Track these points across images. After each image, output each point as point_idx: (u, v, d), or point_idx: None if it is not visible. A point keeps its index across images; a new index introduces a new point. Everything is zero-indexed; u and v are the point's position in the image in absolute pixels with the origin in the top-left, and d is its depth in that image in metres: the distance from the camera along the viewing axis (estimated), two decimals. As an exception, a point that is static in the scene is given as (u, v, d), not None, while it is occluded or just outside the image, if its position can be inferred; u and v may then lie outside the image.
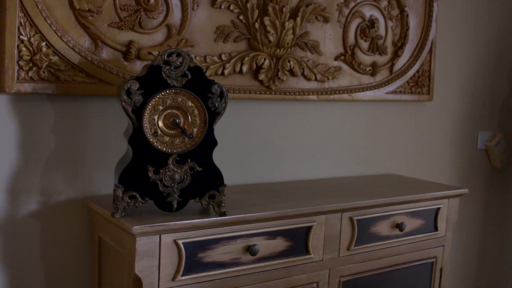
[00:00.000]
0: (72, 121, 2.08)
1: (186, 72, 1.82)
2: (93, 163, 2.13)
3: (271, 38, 2.40)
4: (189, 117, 1.85)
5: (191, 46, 2.24)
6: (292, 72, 2.51)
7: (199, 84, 1.84)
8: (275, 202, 2.16)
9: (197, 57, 2.25)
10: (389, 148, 3.01)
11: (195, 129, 1.86)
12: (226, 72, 2.32)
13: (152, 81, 1.80)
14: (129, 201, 1.82)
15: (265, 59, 2.40)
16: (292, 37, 2.47)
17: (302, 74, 2.55)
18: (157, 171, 1.83)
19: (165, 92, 1.81)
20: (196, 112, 1.85)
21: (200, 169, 1.87)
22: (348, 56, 2.70)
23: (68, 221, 2.11)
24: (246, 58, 2.36)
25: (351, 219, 2.25)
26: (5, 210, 1.99)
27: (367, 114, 2.89)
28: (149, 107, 1.80)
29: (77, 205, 2.11)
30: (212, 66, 2.29)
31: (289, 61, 2.48)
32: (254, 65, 2.39)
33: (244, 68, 2.37)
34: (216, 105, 1.86)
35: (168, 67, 1.80)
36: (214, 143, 1.88)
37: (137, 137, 1.80)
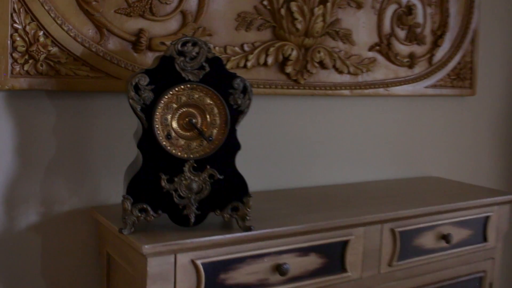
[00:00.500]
0: (75, 121, 1.84)
1: (204, 64, 1.56)
2: (100, 168, 1.89)
3: (299, 26, 2.14)
4: (208, 116, 1.59)
5: (209, 35, 1.98)
6: (322, 64, 2.25)
7: (219, 78, 1.59)
8: (306, 212, 1.90)
9: (216, 48, 2.00)
10: (429, 147, 2.74)
11: (215, 131, 1.60)
12: (249, 64, 2.07)
13: (164, 75, 1.55)
14: (139, 214, 1.57)
15: (292, 50, 2.14)
16: (322, 24, 2.20)
17: (334, 66, 2.29)
18: (171, 179, 1.58)
19: (179, 87, 1.56)
20: (215, 110, 1.59)
21: (221, 177, 1.61)
22: (384, 46, 2.44)
23: (73, 235, 1.87)
24: (271, 49, 2.11)
25: (392, 231, 1.99)
26: (1, 222, 1.76)
27: (404, 110, 2.63)
28: (161, 105, 1.55)
29: (83, 216, 1.87)
30: (233, 58, 2.03)
31: (319, 52, 2.22)
32: (280, 57, 2.13)
33: (269, 60, 2.11)
34: (239, 102, 1.60)
35: (182, 59, 1.54)
36: (237, 146, 1.63)
37: (147, 140, 1.55)
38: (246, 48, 2.07)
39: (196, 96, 1.58)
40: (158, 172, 1.57)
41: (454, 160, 2.84)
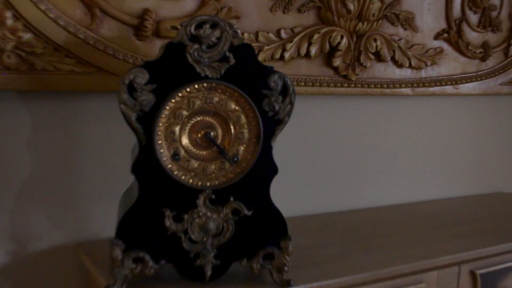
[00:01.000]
0: (58, 131, 1.39)
1: (227, 53, 1.10)
2: (91, 192, 1.45)
3: (351, 7, 1.68)
4: (232, 128, 1.14)
5: (236, 17, 1.53)
6: (378, 56, 1.79)
7: (249, 74, 1.13)
8: (360, 252, 1.45)
9: (245, 34, 1.55)
10: (503, 158, 2.25)
11: (242, 148, 1.15)
12: (286, 55, 1.61)
13: (171, 70, 1.10)
14: (134, 266, 1.12)
15: (342, 37, 1.68)
16: (380, 5, 1.74)
17: (392, 58, 1.83)
18: (179, 217, 1.14)
19: (191, 87, 1.10)
20: (243, 120, 1.14)
21: (249, 213, 1.16)
22: (453, 33, 1.97)
23: (52, 280, 1.43)
24: (316, 36, 1.65)
25: (472, 273, 1.53)
26: (-41, 264, 1.32)
27: (475, 113, 2.16)
28: (166, 112, 1.10)
29: (67, 255, 1.43)
30: (266, 48, 1.58)
31: (375, 40, 1.76)
32: (327, 46, 1.67)
33: (313, 50, 1.66)
34: (277, 108, 1.14)
35: (197, 46, 1.09)
36: (273, 170, 1.17)
37: (145, 162, 1.11)
38: (283, 35, 1.61)
39: (216, 99, 1.12)
40: (161, 206, 1.12)
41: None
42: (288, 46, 1.61)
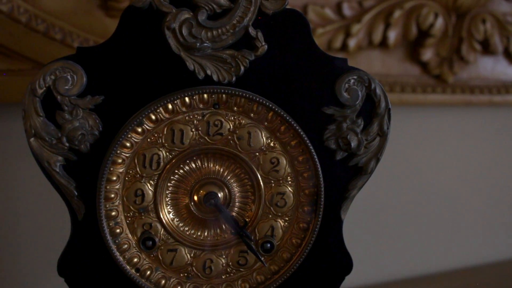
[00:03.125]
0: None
1: (251, 31, 0.53)
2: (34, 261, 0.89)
3: (450, -30, 1.10)
4: (263, 185, 0.56)
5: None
6: (486, 45, 1.21)
7: (296, 75, 0.55)
8: None
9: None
10: None
11: (281, 225, 0.57)
12: (351, 43, 1.06)
13: (134, 63, 0.52)
14: None
15: (436, 16, 1.13)
16: (492, -31, 1.16)
17: (506, 50, 1.25)
18: None
19: (177, 101, 0.52)
20: (284, 167, 0.56)
21: None
22: None
23: None
24: (397, 13, 1.09)
25: None
26: None
27: None
28: (123, 154, 0.53)
29: None
30: (321, 30, 1.03)
31: (483, 22, 1.17)
32: (414, 30, 1.11)
33: (391, 36, 1.10)
34: (354, 143, 0.56)
35: (187, 16, 0.52)
36: (345, 264, 0.59)
37: (83, 255, 0.54)
38: (346, 11, 1.05)
39: (229, 126, 0.54)
40: None
41: None
42: (355, 28, 1.04)
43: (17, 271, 0.90)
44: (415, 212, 1.23)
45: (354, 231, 1.05)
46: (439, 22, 1.13)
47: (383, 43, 1.10)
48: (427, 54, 1.14)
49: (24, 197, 0.88)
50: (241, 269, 0.57)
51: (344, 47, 1.05)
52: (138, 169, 0.54)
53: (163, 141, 0.54)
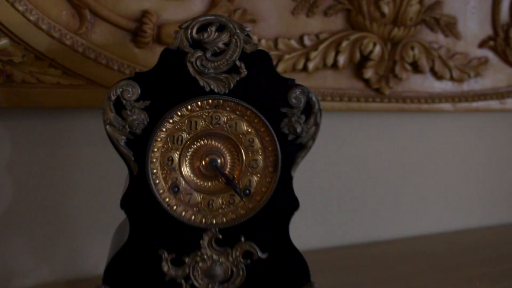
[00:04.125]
0: (42, 153, 1.20)
1: (237, 63, 0.89)
2: (80, 224, 1.25)
3: (386, 10, 1.46)
4: (243, 154, 0.93)
5: (252, 21, 1.32)
6: (415, 66, 1.56)
7: (264, 89, 0.92)
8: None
9: (262, 41, 1.34)
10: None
11: (255, 179, 0.94)
12: (310, 66, 1.40)
13: (168, 83, 0.90)
14: (124, 321, 0.91)
15: (375, 45, 1.47)
16: (418, 8, 1.52)
17: (431, 69, 1.60)
18: (179, 260, 0.93)
19: (194, 104, 0.90)
20: (257, 144, 0.93)
21: (264, 256, 0.95)
22: (500, 41, 1.73)
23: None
24: (345, 43, 1.43)
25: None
26: None
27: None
28: (162, 135, 0.90)
29: (55, 297, 1.23)
30: (287, 56, 1.36)
31: (412, 48, 1.53)
32: (357, 55, 1.46)
33: (341, 60, 1.44)
34: (299, 130, 0.93)
35: (200, 54, 0.88)
36: (293, 204, 0.96)
37: (138, 195, 0.91)
38: (307, 41, 1.40)
39: (224, 119, 0.91)
40: (157, 248, 0.92)
41: None
42: (313, 55, 1.40)
43: (71, 229, 1.25)
44: (378, 188, 1.61)
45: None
46: (377, 49, 1.48)
47: (335, 65, 1.43)
48: (368, 73, 1.48)
49: (79, 175, 1.24)
50: (230, 206, 0.93)
51: (305, 68, 1.39)
52: (169, 145, 0.90)
53: (185, 128, 0.90)
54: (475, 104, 1.70)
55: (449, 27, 1.62)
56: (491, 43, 1.72)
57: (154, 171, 0.90)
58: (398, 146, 1.65)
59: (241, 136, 0.92)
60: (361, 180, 1.59)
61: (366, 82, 1.50)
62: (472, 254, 1.55)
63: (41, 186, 1.20)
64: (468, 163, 1.79)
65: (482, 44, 1.71)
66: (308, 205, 1.42)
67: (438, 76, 1.62)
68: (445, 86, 1.64)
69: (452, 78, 1.64)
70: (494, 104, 1.75)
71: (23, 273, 1.21)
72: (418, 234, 1.70)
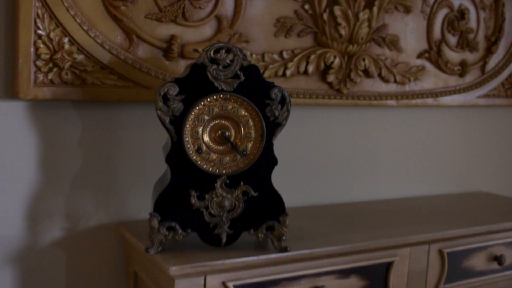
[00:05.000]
0: (103, 133, 1.74)
1: (238, 72, 1.44)
2: (128, 182, 1.79)
3: (343, 32, 2.01)
4: (242, 129, 1.48)
5: (246, 41, 1.87)
6: (366, 73, 2.12)
7: (255, 88, 1.47)
8: (347, 231, 1.77)
9: (253, 55, 1.88)
10: (480, 161, 2.58)
11: (250, 145, 1.49)
12: (288, 73, 1.95)
13: (196, 84, 1.44)
14: (167, 233, 1.46)
15: (335, 57, 2.01)
16: (368, 30, 2.07)
17: (379, 75, 2.15)
18: (201, 196, 1.47)
19: (211, 98, 1.44)
20: (250, 123, 1.48)
21: (255, 194, 1.50)
22: (433, 53, 2.29)
23: (99, 251, 1.77)
24: (313, 56, 1.98)
25: (440, 252, 1.85)
26: (24, 238, 1.67)
27: (454, 122, 2.48)
28: (191, 116, 1.44)
29: (110, 232, 1.78)
30: (271, 66, 1.92)
31: (363, 60, 2.09)
32: (322, 65, 2.01)
33: (310, 68, 1.99)
34: (276, 114, 1.48)
35: (215, 67, 1.43)
36: (274, 161, 1.51)
37: (176, 154, 1.45)
38: (285, 55, 1.95)
39: (230, 107, 1.46)
40: (188, 188, 1.46)
41: (507, 176, 2.67)
42: (289, 65, 1.95)
43: (121, 185, 1.79)
44: (339, 162, 2.14)
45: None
46: (337, 61, 2.03)
47: (306, 72, 1.97)
48: (331, 78, 2.02)
49: (128, 147, 1.76)
50: (234, 162, 1.48)
51: (284, 74, 1.93)
52: (196, 123, 1.44)
53: (205, 112, 1.45)
54: (414, 101, 2.27)
55: (393, 43, 2.18)
56: (427, 54, 2.29)
57: (186, 139, 1.44)
58: (354, 132, 2.21)
59: (240, 117, 1.47)
60: (324, 156, 2.14)
61: (329, 84, 2.05)
62: (408, 211, 2.10)
63: (102, 155, 1.74)
64: (408, 146, 2.35)
65: (419, 56, 2.27)
66: (289, 175, 1.97)
67: (385, 80, 2.18)
68: (390, 87, 2.20)
69: (396, 81, 2.21)
70: (429, 101, 2.31)
71: (87, 216, 1.75)
72: (370, 199, 2.26)
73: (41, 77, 1.57)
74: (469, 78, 2.42)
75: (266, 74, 1.89)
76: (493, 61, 2.48)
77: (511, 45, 2.51)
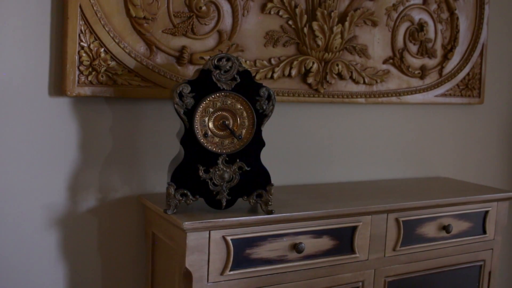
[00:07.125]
0: (128, 123, 2.18)
1: (235, 76, 1.89)
2: (147, 162, 2.23)
3: (320, 43, 2.45)
4: (238, 119, 1.92)
5: (242, 51, 2.31)
6: (340, 76, 2.54)
7: (248, 87, 1.91)
8: (321, 202, 2.20)
9: (247, 62, 2.32)
10: (438, 151, 3.00)
11: (244, 131, 1.93)
12: (275, 75, 2.39)
13: (203, 85, 1.88)
14: (181, 198, 1.90)
15: (313, 63, 2.46)
16: (341, 41, 2.51)
17: (351, 77, 2.57)
18: (207, 170, 1.91)
19: (215, 95, 1.89)
20: (244, 114, 1.92)
21: (248, 169, 1.94)
22: (397, 59, 2.72)
23: (124, 217, 2.21)
24: (295, 62, 2.42)
25: (397, 220, 2.27)
26: (66, 206, 2.11)
27: (416, 117, 2.89)
28: (200, 109, 1.88)
29: (132, 202, 2.22)
30: (262, 70, 2.36)
31: (337, 65, 2.52)
32: (303, 69, 2.44)
33: (293, 72, 2.42)
34: (264, 107, 1.93)
35: (218, 71, 1.88)
36: (262, 144, 1.95)
37: (188, 138, 1.89)
38: (273, 61, 2.38)
39: (229, 102, 1.91)
40: (197, 164, 1.90)
41: (462, 163, 3.09)
42: (276, 69, 2.39)
43: (142, 163, 2.22)
44: (317, 148, 2.58)
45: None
46: (315, 66, 2.46)
47: (289, 75, 2.39)
48: (310, 80, 2.44)
49: (148, 135, 2.19)
50: (232, 144, 1.92)
51: (272, 77, 2.34)
52: (203, 113, 1.89)
53: (211, 106, 1.89)
54: (380, 99, 2.69)
55: (362, 51, 2.61)
56: (391, 60, 2.71)
57: (196, 126, 1.89)
58: (330, 125, 2.64)
59: (237, 110, 1.92)
60: (305, 144, 2.58)
61: (309, 85, 2.48)
62: (372, 189, 2.55)
63: (127, 140, 2.18)
64: (376, 137, 2.78)
65: (385, 61, 2.69)
66: (276, 159, 2.42)
67: (356, 82, 2.60)
68: (360, 88, 2.62)
69: (365, 83, 2.62)
70: (394, 99, 2.73)
71: (115, 189, 2.19)
72: (343, 181, 2.71)
73: (83, 78, 2.02)
74: (428, 80, 2.84)
75: (257, 77, 2.33)
76: (449, 66, 2.90)
77: (465, 52, 2.94)
